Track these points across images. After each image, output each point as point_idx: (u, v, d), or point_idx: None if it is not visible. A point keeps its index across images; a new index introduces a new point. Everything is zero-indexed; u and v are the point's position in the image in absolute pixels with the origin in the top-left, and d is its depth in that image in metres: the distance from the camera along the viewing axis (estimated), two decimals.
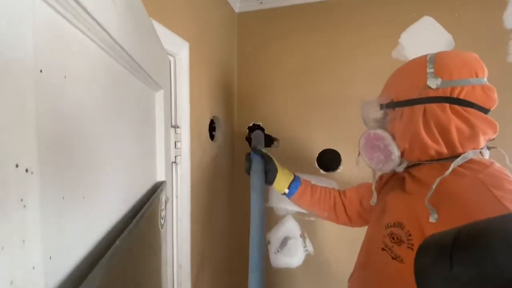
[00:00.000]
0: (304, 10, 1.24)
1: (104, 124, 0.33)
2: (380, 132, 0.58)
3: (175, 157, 0.78)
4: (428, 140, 0.51)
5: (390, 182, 0.70)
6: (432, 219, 0.46)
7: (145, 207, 0.41)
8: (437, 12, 1.09)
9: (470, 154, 0.49)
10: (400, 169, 0.58)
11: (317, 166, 1.26)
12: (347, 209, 0.83)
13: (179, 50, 0.79)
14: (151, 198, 0.47)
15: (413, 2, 1.11)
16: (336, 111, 1.21)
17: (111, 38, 0.30)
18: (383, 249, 0.56)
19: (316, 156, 1.25)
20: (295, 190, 0.86)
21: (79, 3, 0.22)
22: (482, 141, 0.51)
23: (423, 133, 0.51)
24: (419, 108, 0.52)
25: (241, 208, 1.35)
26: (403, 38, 1.14)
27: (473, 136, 0.49)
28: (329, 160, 1.24)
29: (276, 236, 1.33)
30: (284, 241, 1.32)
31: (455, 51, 0.55)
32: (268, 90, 1.31)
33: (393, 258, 0.53)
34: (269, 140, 1.30)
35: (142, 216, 0.38)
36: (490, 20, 1.04)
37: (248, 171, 0.87)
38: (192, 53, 0.86)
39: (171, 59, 0.78)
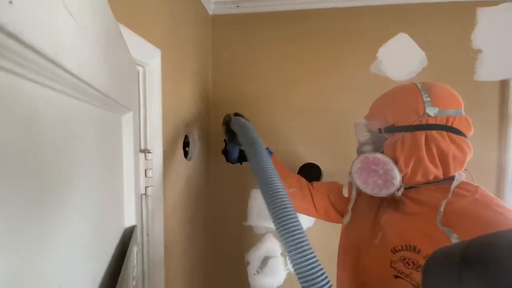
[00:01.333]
0: (283, 18, 1.18)
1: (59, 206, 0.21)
2: (381, 156, 0.58)
3: (146, 188, 0.65)
4: (430, 166, 0.54)
5: (372, 202, 0.68)
6: (453, 240, 0.46)
7: None
8: (412, 30, 1.11)
9: (460, 177, 0.54)
10: (399, 193, 0.58)
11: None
12: (314, 198, 0.84)
13: (150, 59, 0.65)
14: (122, 270, 0.35)
15: (390, 18, 1.12)
16: (317, 124, 1.18)
17: (63, 70, 0.19)
18: (397, 276, 0.54)
19: (297, 171, 1.20)
20: (270, 154, 0.88)
21: None
22: (465, 163, 0.56)
23: (426, 159, 0.54)
24: (420, 134, 0.55)
25: (218, 231, 1.25)
26: (381, 53, 1.14)
27: (463, 161, 0.55)
28: (309, 175, 1.19)
29: (255, 256, 1.24)
30: (264, 261, 1.24)
31: (436, 83, 0.59)
32: (246, 100, 1.22)
33: (415, 286, 0.51)
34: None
35: None
36: (459, 40, 1.09)
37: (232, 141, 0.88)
38: (164, 62, 0.73)
39: (140, 70, 0.65)
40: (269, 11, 1.18)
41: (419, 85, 0.58)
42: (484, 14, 1.06)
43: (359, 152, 0.67)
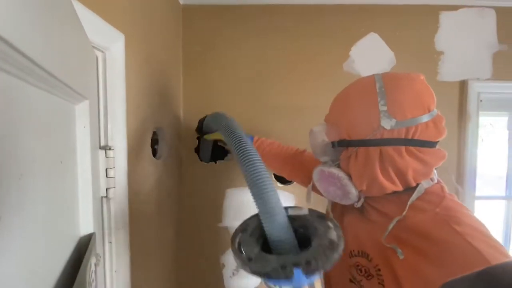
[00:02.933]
0: (259, 12, 1.14)
1: None
2: (336, 171, 0.53)
3: (107, 190, 0.57)
4: (386, 183, 0.49)
5: None
6: (399, 255, 0.45)
7: None
8: (382, 30, 1.15)
9: (423, 187, 0.49)
10: (359, 204, 0.56)
11: (274, 179, 1.18)
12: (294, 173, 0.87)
13: (111, 44, 0.58)
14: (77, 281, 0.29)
15: (362, 18, 1.15)
16: (292, 122, 1.16)
17: None
18: (351, 280, 0.54)
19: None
20: (251, 139, 0.90)
21: None
22: (433, 171, 0.51)
23: (381, 177, 0.49)
24: (374, 150, 0.49)
25: (191, 234, 1.17)
26: (353, 51, 1.16)
27: (427, 172, 0.49)
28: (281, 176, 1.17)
29: (231, 258, 1.20)
30: None
31: (403, 78, 0.50)
32: (219, 96, 1.16)
33: None
34: (222, 153, 1.16)
35: None
36: (424, 41, 1.14)
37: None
38: (129, 49, 0.65)
39: (99, 55, 0.57)
40: (243, 4, 1.14)
41: (377, 85, 0.49)
42: (445, 18, 1.13)
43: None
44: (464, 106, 1.15)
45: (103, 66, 0.57)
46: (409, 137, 0.47)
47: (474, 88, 1.14)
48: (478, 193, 1.21)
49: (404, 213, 0.48)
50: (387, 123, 0.47)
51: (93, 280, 0.40)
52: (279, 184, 1.19)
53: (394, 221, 0.48)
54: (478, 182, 1.19)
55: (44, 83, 0.29)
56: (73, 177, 0.41)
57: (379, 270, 0.49)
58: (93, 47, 0.53)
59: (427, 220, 0.46)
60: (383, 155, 0.48)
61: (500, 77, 1.15)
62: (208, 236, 1.18)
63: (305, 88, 1.16)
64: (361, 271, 0.52)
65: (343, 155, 0.54)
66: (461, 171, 1.17)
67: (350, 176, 0.52)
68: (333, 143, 0.55)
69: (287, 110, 1.16)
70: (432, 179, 0.51)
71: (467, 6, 1.12)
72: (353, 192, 0.53)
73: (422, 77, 0.50)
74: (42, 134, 0.30)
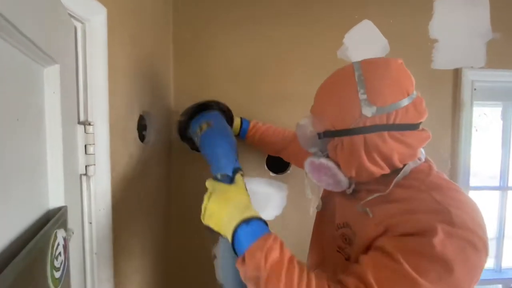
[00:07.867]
0: None
1: None
2: (325, 161, 0.55)
3: (86, 167, 0.54)
4: (373, 168, 0.51)
5: None
6: (369, 214, 0.50)
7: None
8: (376, 17, 1.14)
9: (409, 167, 0.51)
10: (350, 190, 0.58)
11: (266, 168, 1.16)
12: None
13: (91, 16, 0.55)
14: (30, 244, 0.27)
15: (356, 5, 1.13)
16: (284, 111, 1.14)
17: None
18: (337, 251, 0.58)
19: (266, 158, 1.16)
20: (247, 125, 0.98)
21: None
22: (419, 152, 0.52)
23: (367, 163, 0.50)
24: (358, 138, 0.50)
25: (181, 223, 1.15)
26: (347, 39, 1.15)
27: (413, 154, 0.51)
28: (278, 162, 1.16)
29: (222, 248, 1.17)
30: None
31: (381, 64, 0.51)
32: (211, 83, 1.14)
33: (346, 259, 0.55)
34: None
35: None
36: (418, 29, 1.13)
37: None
38: (112, 24, 0.63)
39: (78, 25, 0.54)
40: None
41: (356, 74, 0.50)
42: (440, 6, 1.12)
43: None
44: (458, 94, 1.14)
45: (83, 38, 0.55)
46: (391, 122, 0.48)
47: (468, 76, 1.13)
48: (472, 183, 1.20)
49: (388, 190, 0.49)
50: (368, 111, 0.48)
51: (60, 254, 0.37)
52: (271, 174, 1.17)
53: (375, 195, 0.51)
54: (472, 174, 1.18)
55: (6, 33, 0.26)
56: (38, 142, 0.39)
57: (354, 235, 0.53)
58: (70, 15, 0.50)
59: (409, 193, 0.48)
60: (367, 142, 0.49)
61: (494, 65, 1.14)
62: (199, 225, 1.15)
63: (298, 75, 1.14)
64: (345, 240, 0.56)
65: (330, 145, 0.55)
66: (455, 161, 1.16)
67: (339, 165, 0.54)
68: (319, 134, 0.56)
69: (280, 97, 1.14)
70: (419, 159, 0.52)
71: None
72: (343, 179, 0.55)
73: (400, 61, 0.51)
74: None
